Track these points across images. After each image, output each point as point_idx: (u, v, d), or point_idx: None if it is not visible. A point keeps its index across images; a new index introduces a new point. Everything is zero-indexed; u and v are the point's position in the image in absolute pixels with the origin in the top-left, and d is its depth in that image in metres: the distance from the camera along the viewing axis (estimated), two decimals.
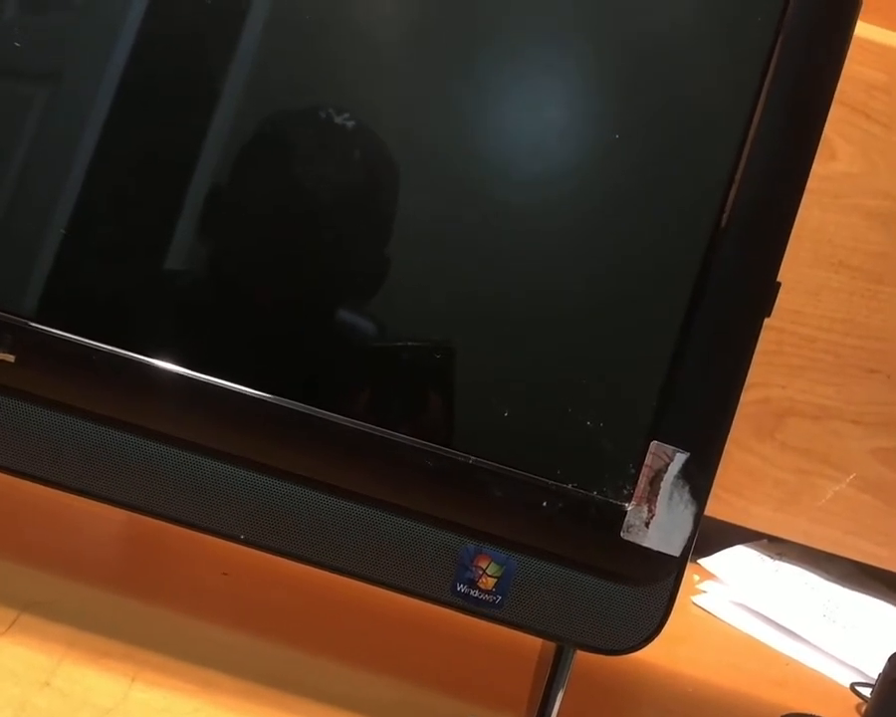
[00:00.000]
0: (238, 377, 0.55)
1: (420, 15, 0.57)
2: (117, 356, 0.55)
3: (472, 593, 0.57)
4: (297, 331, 0.56)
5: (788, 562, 1.05)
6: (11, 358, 0.55)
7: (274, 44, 0.57)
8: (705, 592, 0.99)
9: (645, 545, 0.55)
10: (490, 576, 0.57)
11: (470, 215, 0.56)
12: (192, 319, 0.57)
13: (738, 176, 0.56)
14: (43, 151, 0.56)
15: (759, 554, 1.06)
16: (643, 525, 0.55)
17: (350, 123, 0.56)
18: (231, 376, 0.55)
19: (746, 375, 0.56)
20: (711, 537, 1.04)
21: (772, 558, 1.05)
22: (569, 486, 0.56)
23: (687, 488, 0.55)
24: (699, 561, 1.04)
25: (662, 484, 0.55)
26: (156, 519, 0.58)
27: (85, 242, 0.56)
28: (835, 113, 0.57)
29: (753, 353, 0.57)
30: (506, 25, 0.57)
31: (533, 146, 0.57)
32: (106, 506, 0.58)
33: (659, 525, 0.55)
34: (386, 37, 0.57)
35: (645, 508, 0.55)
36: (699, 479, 0.55)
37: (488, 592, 0.57)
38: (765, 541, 1.07)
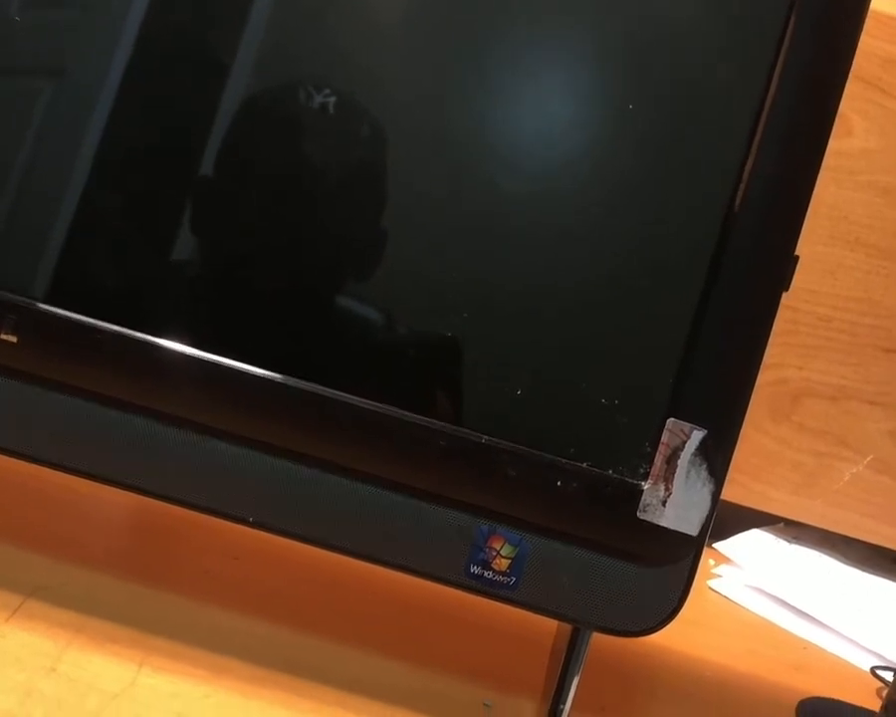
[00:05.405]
0: (248, 358, 0.54)
1: None
2: (125, 336, 0.54)
3: (486, 574, 0.56)
4: (306, 310, 0.55)
5: (805, 545, 1.04)
6: (13, 338, 0.54)
7: (278, 28, 0.56)
8: (721, 576, 0.98)
9: (662, 524, 0.54)
10: (504, 557, 0.56)
11: (479, 193, 0.55)
12: (200, 299, 0.57)
13: (753, 150, 0.54)
14: (51, 138, 0.56)
15: (775, 537, 1.05)
16: (660, 504, 0.54)
17: (339, 102, 0.55)
18: (241, 357, 0.54)
19: (764, 350, 0.55)
20: (726, 520, 1.03)
21: (788, 541, 1.04)
22: (584, 465, 0.55)
23: (704, 466, 0.54)
24: (714, 545, 1.03)
25: (679, 462, 0.54)
26: (164, 501, 0.57)
27: (93, 225, 0.56)
28: (851, 88, 0.56)
29: (771, 327, 0.55)
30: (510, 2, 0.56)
31: (546, 125, 0.56)
32: (113, 490, 0.58)
33: (676, 504, 0.54)
34: (387, 15, 0.56)
35: (662, 487, 0.54)
36: (717, 457, 0.54)
37: (502, 573, 0.56)
38: (781, 524, 1.06)
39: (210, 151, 0.55)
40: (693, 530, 0.55)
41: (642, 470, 0.55)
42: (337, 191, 0.56)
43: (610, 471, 0.55)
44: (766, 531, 1.06)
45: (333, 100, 0.55)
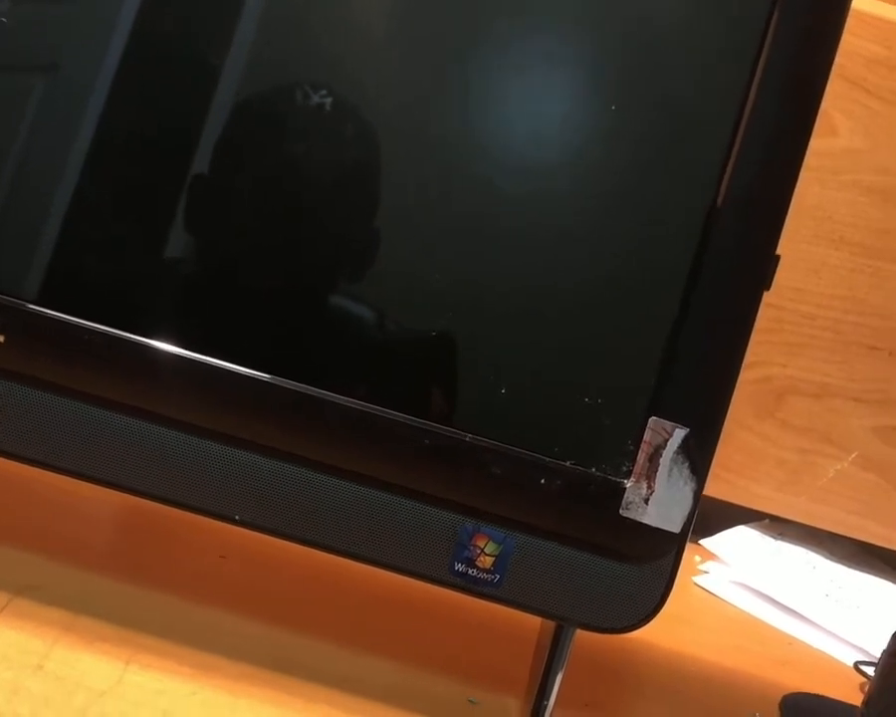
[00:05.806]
0: (236, 358, 0.55)
1: None
2: (113, 336, 0.55)
3: (470, 571, 0.57)
4: (293, 310, 0.56)
5: (790, 541, 1.05)
6: (0, 338, 0.54)
7: (268, 27, 0.56)
8: (706, 572, 0.99)
9: (645, 521, 0.55)
10: (488, 554, 0.57)
11: (465, 194, 0.56)
12: (188, 300, 0.57)
13: (735, 149, 0.55)
14: (41, 136, 0.56)
15: (760, 534, 1.06)
16: (642, 501, 0.55)
17: (335, 102, 0.55)
18: (228, 357, 0.55)
19: (745, 349, 0.56)
20: (712, 517, 1.03)
21: (773, 538, 1.05)
22: (568, 463, 0.55)
23: (686, 464, 0.55)
24: (700, 541, 1.04)
25: (661, 460, 0.55)
26: (151, 500, 0.57)
27: (82, 225, 0.56)
28: (835, 88, 0.57)
29: (752, 326, 0.56)
30: (501, 5, 0.56)
31: (531, 124, 0.56)
32: (101, 489, 0.58)
33: (658, 501, 0.55)
34: (382, 16, 0.56)
35: (644, 484, 0.55)
36: (699, 454, 0.55)
37: (486, 570, 0.57)
38: (766, 521, 1.06)
39: (204, 150, 0.55)
40: (675, 527, 0.55)
41: (625, 468, 0.55)
42: (331, 191, 0.56)
43: (594, 469, 0.55)
44: (751, 527, 1.06)
45: (329, 100, 0.55)
